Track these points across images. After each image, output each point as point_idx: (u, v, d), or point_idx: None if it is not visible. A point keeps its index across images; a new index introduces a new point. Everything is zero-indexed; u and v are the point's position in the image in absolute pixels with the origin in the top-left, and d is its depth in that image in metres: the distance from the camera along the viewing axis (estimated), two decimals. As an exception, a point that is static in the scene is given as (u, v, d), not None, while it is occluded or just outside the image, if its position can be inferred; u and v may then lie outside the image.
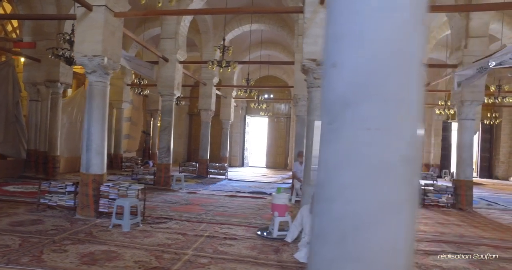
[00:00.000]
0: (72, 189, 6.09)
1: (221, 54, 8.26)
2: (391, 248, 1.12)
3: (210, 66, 8.54)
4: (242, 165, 19.60)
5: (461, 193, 8.45)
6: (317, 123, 5.31)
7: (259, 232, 5.39)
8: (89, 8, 5.77)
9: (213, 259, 4.14)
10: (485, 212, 8.31)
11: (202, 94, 13.11)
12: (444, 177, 17.29)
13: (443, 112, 14.57)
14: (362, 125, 1.12)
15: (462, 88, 8.45)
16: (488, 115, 15.99)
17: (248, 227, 5.77)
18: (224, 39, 9.01)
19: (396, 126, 1.11)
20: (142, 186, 6.00)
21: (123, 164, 13.69)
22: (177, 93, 9.79)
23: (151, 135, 17.65)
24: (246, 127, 20.09)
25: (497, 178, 17.42)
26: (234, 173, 15.75)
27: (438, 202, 8.77)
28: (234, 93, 16.55)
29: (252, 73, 16.07)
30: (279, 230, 5.23)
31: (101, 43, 5.77)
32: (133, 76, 14.31)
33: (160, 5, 5.88)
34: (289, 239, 4.97)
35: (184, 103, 17.10)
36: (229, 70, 8.71)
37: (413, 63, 1.14)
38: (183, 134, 20.75)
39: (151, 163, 16.74)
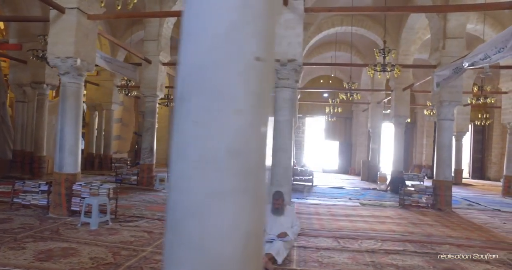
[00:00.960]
0: (45, 188, 6.19)
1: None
2: (218, 235, 1.19)
3: None
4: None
5: (440, 194, 8.47)
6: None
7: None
8: (61, 10, 5.88)
9: (170, 256, 4.22)
10: (464, 212, 8.32)
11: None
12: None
13: (432, 113, 14.60)
14: (190, 118, 1.19)
15: (440, 88, 8.50)
16: (479, 116, 16.00)
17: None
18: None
19: (220, 120, 1.18)
20: (113, 185, 6.09)
21: (113, 164, 13.79)
22: (160, 95, 9.90)
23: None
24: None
25: (489, 179, 17.38)
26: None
27: (417, 202, 8.80)
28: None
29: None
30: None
31: (74, 45, 5.87)
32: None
33: (130, 7, 5.98)
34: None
35: (173, 104, 17.19)
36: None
37: (241, 59, 1.21)
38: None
39: (142, 164, 16.85)
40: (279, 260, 4.13)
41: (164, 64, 9.84)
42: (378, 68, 7.87)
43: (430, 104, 14.40)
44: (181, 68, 1.26)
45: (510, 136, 11.55)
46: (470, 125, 18.15)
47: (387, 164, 15.87)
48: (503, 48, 5.82)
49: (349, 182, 14.59)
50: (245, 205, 1.24)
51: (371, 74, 8.22)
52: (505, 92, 11.57)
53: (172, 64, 10.02)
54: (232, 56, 1.21)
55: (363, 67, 12.73)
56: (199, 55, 1.23)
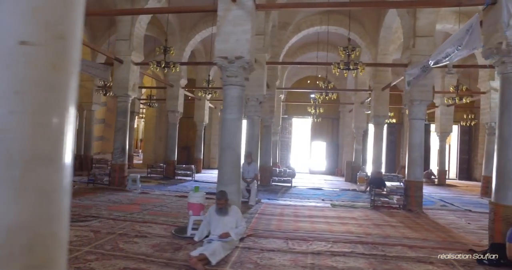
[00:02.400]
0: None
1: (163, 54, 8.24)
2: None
3: (151, 67, 8.55)
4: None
5: (410, 194, 8.36)
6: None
7: (173, 231, 5.37)
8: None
9: (104, 255, 4.13)
10: (434, 213, 8.21)
11: (169, 96, 13.14)
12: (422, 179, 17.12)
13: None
14: None
15: (411, 87, 8.40)
16: (465, 116, 15.89)
17: (171, 226, 5.74)
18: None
19: None
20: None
21: (94, 165, 13.70)
22: (133, 95, 9.82)
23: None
24: (226, 129, 20.08)
25: (475, 180, 17.24)
26: (207, 174, 15.75)
27: (388, 203, 8.70)
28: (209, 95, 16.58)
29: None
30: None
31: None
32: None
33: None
34: (196, 238, 4.93)
35: (156, 105, 17.13)
36: (173, 71, 8.75)
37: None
38: (164, 136, 20.78)
39: (126, 165, 16.76)
40: (213, 261, 4.03)
41: (136, 64, 9.77)
42: (341, 66, 7.77)
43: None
44: None
45: (489, 136, 11.44)
46: (457, 126, 18.06)
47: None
48: (460, 46, 5.73)
49: (331, 183, 14.47)
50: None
51: (337, 73, 8.12)
52: (484, 93, 11.46)
53: (145, 64, 9.91)
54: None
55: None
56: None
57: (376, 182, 10.86)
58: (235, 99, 5.29)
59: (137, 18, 9.52)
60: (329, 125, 20.30)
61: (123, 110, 9.74)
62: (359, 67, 7.82)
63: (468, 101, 11.57)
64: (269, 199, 9.24)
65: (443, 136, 15.33)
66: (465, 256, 4.70)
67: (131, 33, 9.53)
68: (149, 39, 13.19)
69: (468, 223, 6.97)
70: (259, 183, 9.86)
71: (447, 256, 4.65)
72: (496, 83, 11.46)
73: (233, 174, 5.23)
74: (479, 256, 4.52)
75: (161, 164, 13.58)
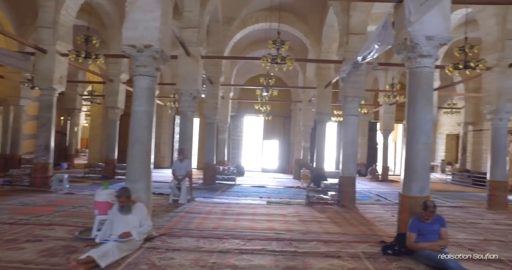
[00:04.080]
0: None
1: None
2: None
3: (70, 57, 7.95)
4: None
5: (344, 190, 8.44)
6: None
7: (76, 233, 4.91)
8: None
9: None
10: (365, 207, 8.32)
11: (109, 92, 12.43)
12: (368, 175, 17.67)
13: (365, 112, 14.86)
14: None
15: (344, 84, 8.49)
16: (407, 115, 16.50)
17: (79, 228, 5.27)
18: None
19: None
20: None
21: (22, 165, 12.61)
22: (59, 88, 9.09)
23: (67, 135, 16.60)
24: (176, 127, 19.49)
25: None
26: (153, 174, 15.10)
27: (323, 199, 8.74)
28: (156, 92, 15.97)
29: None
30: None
31: None
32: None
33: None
34: (98, 239, 4.52)
35: (99, 101, 16.21)
36: (98, 62, 8.20)
37: None
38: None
39: (64, 165, 15.74)
40: (103, 263, 3.66)
41: (62, 55, 9.04)
42: (268, 60, 7.66)
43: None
44: None
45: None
46: (401, 125, 18.81)
47: (328, 163, 15.84)
48: (379, 42, 5.78)
49: (279, 181, 14.45)
50: None
51: (267, 67, 8.01)
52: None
53: (66, 55, 9.06)
54: None
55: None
56: None
57: (319, 178, 10.95)
58: (145, 90, 4.94)
59: (63, 4, 8.83)
60: (281, 123, 20.38)
61: (47, 104, 8.98)
62: (287, 61, 7.74)
63: (400, 99, 12.00)
64: (204, 197, 8.94)
65: (386, 133, 15.87)
66: (374, 248, 4.71)
67: (55, 20, 8.81)
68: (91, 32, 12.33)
69: (393, 216, 7.10)
70: (193, 181, 9.51)
71: (356, 250, 4.63)
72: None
73: (142, 169, 4.88)
74: (384, 247, 4.55)
75: (101, 163, 12.81)
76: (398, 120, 17.25)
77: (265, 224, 6.16)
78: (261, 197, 9.36)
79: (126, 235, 4.19)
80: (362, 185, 13.72)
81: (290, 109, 20.06)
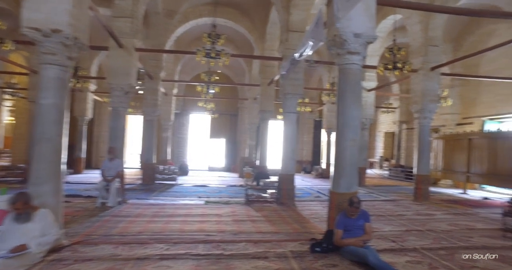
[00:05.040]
0: None
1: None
2: None
3: None
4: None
5: (283, 187, 8.40)
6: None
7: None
8: None
9: None
10: (303, 204, 8.35)
11: (33, 85, 11.23)
12: (312, 172, 18.08)
13: (304, 109, 15.09)
14: None
15: (284, 81, 8.46)
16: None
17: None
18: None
19: None
20: None
21: None
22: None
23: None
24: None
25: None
26: (89, 175, 14.08)
27: (263, 197, 8.63)
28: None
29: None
30: None
31: None
32: None
33: None
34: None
35: (23, 95, 14.67)
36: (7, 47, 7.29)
37: None
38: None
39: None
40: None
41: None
42: (202, 53, 7.38)
43: (300, 101, 14.91)
44: None
45: (362, 131, 12.35)
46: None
47: (273, 161, 15.88)
48: (313, 38, 5.75)
49: (223, 180, 14.18)
50: None
51: (202, 61, 7.71)
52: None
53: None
54: None
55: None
56: None
57: (261, 176, 10.88)
58: (52, 81, 4.37)
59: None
60: (228, 121, 20.11)
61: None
62: (221, 56, 7.50)
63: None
64: (138, 198, 8.38)
65: (330, 131, 16.32)
66: (304, 246, 4.65)
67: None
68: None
69: (327, 213, 7.18)
70: (133, 181, 8.90)
71: (285, 249, 4.53)
72: (366, 83, 12.50)
73: (49, 170, 4.30)
74: (312, 244, 4.51)
75: (22, 165, 11.56)
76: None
77: (196, 225, 5.86)
78: (200, 197, 9.02)
79: (19, 249, 3.60)
80: (306, 182, 13.96)
81: (237, 107, 19.87)
